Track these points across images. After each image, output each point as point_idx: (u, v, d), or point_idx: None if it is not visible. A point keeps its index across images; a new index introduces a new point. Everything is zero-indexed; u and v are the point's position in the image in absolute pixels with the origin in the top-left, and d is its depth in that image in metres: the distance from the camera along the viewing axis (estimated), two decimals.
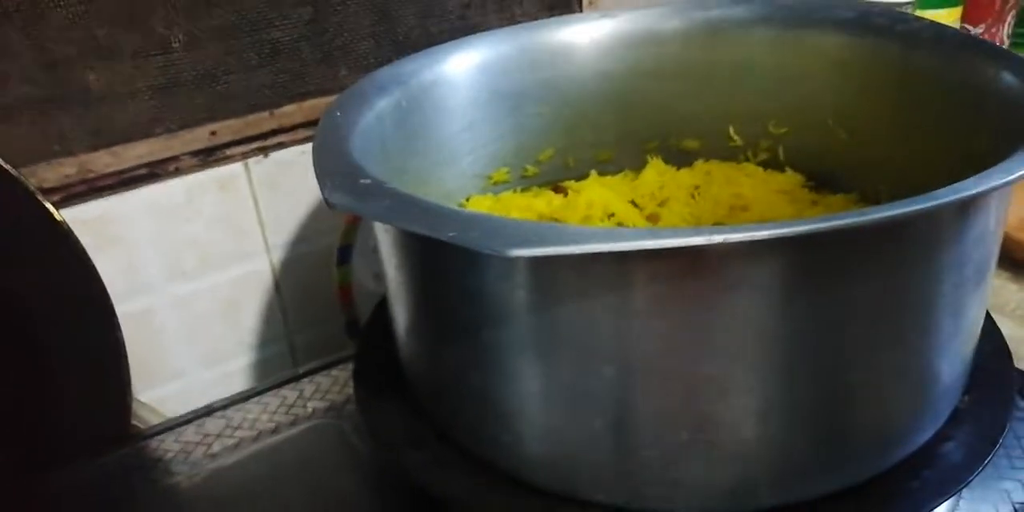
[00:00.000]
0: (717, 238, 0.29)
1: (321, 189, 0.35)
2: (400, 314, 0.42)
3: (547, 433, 0.37)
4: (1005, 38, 0.83)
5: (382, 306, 0.50)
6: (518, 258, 0.29)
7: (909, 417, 0.39)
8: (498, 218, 0.31)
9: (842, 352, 0.35)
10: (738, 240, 0.29)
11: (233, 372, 0.64)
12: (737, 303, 0.32)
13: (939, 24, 0.61)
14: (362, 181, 0.36)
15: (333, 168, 0.37)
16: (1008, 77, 0.46)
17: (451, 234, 0.30)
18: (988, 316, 0.46)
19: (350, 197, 0.34)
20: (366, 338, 0.52)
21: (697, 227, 0.30)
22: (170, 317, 0.60)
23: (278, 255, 0.64)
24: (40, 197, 0.49)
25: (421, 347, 0.42)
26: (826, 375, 0.35)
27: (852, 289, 0.33)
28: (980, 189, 0.33)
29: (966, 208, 0.36)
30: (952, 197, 0.32)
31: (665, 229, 0.30)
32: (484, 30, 0.68)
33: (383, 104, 0.50)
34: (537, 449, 0.38)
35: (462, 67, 0.56)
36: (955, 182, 0.49)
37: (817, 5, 0.62)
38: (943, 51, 0.51)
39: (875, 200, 0.56)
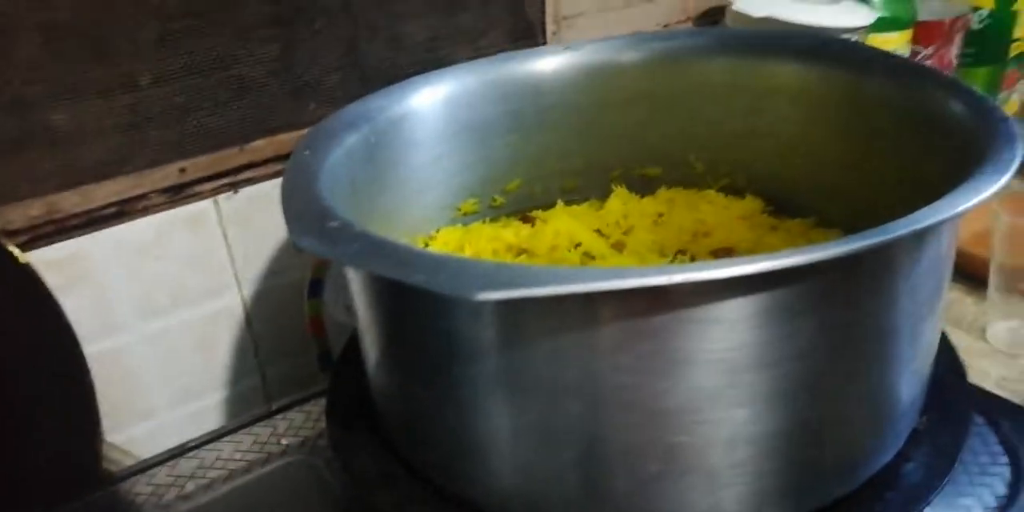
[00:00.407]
0: (677, 277, 0.29)
1: (290, 233, 0.35)
2: (370, 351, 0.43)
3: (518, 468, 0.38)
4: (953, 59, 0.86)
5: (354, 339, 0.50)
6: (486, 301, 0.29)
7: (871, 441, 0.40)
8: (465, 260, 0.32)
9: (804, 381, 0.35)
10: (698, 279, 0.29)
11: (205, 409, 0.64)
12: (700, 337, 0.33)
13: (890, 53, 0.63)
14: (330, 224, 0.36)
15: (302, 210, 0.37)
16: (957, 105, 0.47)
17: (420, 278, 0.31)
18: (942, 334, 0.47)
19: (319, 241, 0.34)
20: (338, 372, 0.52)
21: (659, 266, 0.31)
22: (142, 355, 0.60)
23: (249, 289, 0.64)
24: (3, 239, 0.48)
25: (391, 384, 0.42)
26: (789, 404, 0.36)
27: (811, 320, 0.34)
28: (933, 221, 0.34)
29: (919, 238, 0.37)
30: (905, 230, 0.33)
31: (628, 268, 0.30)
32: (452, 62, 0.69)
33: (352, 140, 0.50)
34: (508, 483, 0.38)
35: (429, 101, 0.56)
36: (907, 207, 0.50)
37: (774, 35, 0.63)
38: (894, 79, 0.52)
39: (832, 224, 0.57)
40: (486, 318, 0.34)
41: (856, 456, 0.39)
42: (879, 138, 0.53)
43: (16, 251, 0.49)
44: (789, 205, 0.60)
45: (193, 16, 0.57)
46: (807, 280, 0.33)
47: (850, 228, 0.56)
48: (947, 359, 0.47)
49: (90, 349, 0.57)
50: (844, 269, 0.34)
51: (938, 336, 0.44)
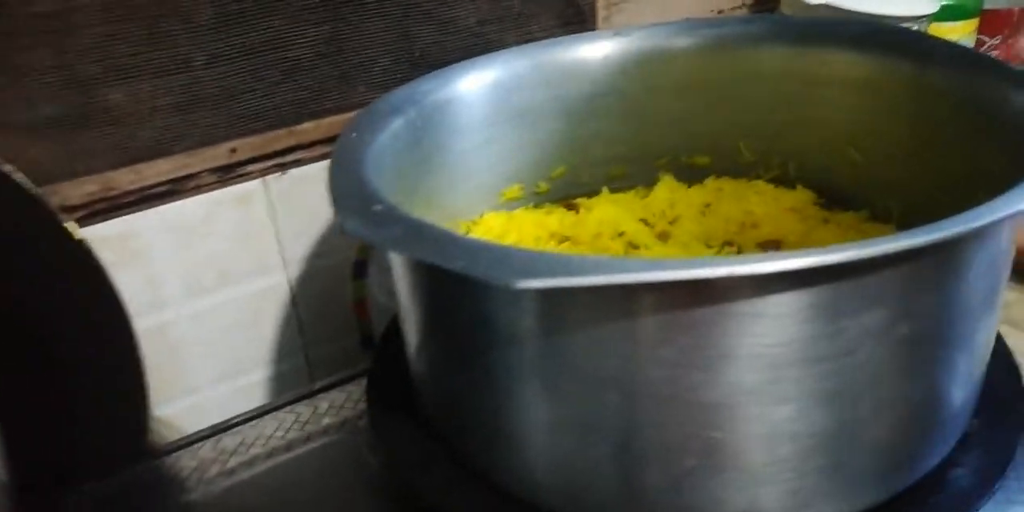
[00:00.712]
0: (721, 270, 0.29)
1: (336, 214, 0.35)
2: (411, 335, 0.43)
3: (554, 458, 0.37)
4: (1021, 50, 0.82)
5: (396, 321, 0.50)
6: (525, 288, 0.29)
7: (918, 444, 0.39)
8: (506, 248, 0.31)
9: (849, 380, 0.34)
10: (743, 273, 0.29)
11: (249, 386, 0.65)
12: (743, 331, 0.32)
13: (952, 42, 0.60)
14: (375, 207, 0.36)
15: (348, 193, 0.37)
16: (1021, 97, 0.45)
17: (460, 264, 0.30)
18: (998, 335, 0.46)
19: (363, 224, 0.34)
20: (379, 354, 0.52)
21: (703, 258, 0.30)
22: (188, 332, 0.61)
23: (295, 270, 0.64)
24: (59, 216, 0.49)
25: (431, 369, 0.42)
26: (832, 403, 0.35)
27: (859, 318, 0.33)
28: (992, 219, 0.32)
29: (977, 236, 0.35)
30: (961, 228, 0.31)
31: (671, 260, 0.29)
32: (500, 47, 0.69)
33: (398, 124, 0.50)
34: (544, 473, 0.38)
35: (476, 85, 0.56)
36: (966, 202, 0.49)
37: (829, 22, 0.61)
38: (956, 70, 0.50)
39: (886, 218, 0.56)
40: (526, 305, 0.34)
41: (901, 459, 0.38)
42: (938, 130, 0.51)
43: (72, 226, 0.50)
44: (841, 198, 0.58)
45: None
46: (857, 276, 0.32)
47: (905, 223, 0.55)
48: (1002, 361, 0.46)
49: (138, 325, 0.58)
50: (896, 266, 0.33)
51: (993, 337, 0.43)
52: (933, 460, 0.40)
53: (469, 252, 0.31)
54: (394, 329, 0.52)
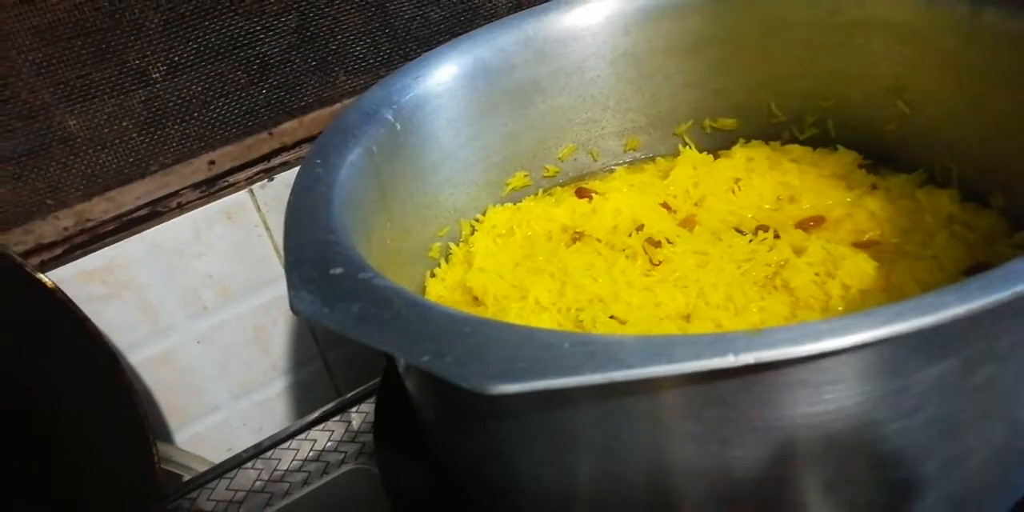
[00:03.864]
0: (746, 358, 0.22)
1: (288, 289, 0.29)
2: (411, 386, 0.37)
3: None
4: None
5: None
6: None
7: (996, 469, 0.32)
8: (481, 330, 0.25)
9: (916, 438, 0.28)
10: (751, 362, 0.22)
11: (270, 398, 0.61)
12: (772, 405, 0.26)
13: None
14: (333, 271, 0.30)
15: (300, 257, 0.31)
16: None
17: (424, 359, 0.24)
18: None
19: (316, 300, 0.28)
20: (388, 376, 0.47)
21: (711, 335, 0.24)
22: (196, 354, 0.56)
23: None
24: (29, 268, 0.44)
25: (434, 426, 0.37)
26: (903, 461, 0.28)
27: (932, 368, 0.26)
28: None
29: None
30: None
31: (680, 341, 0.23)
32: (488, 12, 0.61)
33: (373, 132, 0.43)
34: None
35: (460, 71, 0.48)
36: None
37: None
38: (1017, 10, 0.41)
39: (944, 180, 0.47)
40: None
41: (977, 497, 0.32)
42: (999, 80, 0.42)
43: (44, 277, 0.45)
44: (890, 159, 0.50)
45: None
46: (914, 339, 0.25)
47: (966, 186, 0.46)
48: None
49: (142, 355, 0.54)
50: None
51: None
52: (1020, 490, 0.34)
53: (437, 338, 0.25)
54: None
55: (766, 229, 0.46)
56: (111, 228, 0.52)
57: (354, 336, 0.26)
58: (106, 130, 0.50)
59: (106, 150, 0.51)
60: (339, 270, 0.30)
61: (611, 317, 0.41)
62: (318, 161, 0.38)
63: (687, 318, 0.40)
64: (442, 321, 0.26)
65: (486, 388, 0.23)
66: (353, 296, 0.28)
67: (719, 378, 0.25)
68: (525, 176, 0.53)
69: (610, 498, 0.30)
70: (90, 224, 0.51)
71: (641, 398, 0.27)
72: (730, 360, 0.22)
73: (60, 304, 0.45)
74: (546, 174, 0.54)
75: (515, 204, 0.52)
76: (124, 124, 0.51)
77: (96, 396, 0.47)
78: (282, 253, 0.57)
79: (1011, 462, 0.32)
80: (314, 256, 0.31)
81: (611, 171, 0.55)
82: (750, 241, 0.45)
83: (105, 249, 0.52)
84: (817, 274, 0.41)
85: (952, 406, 0.27)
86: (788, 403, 0.26)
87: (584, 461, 0.29)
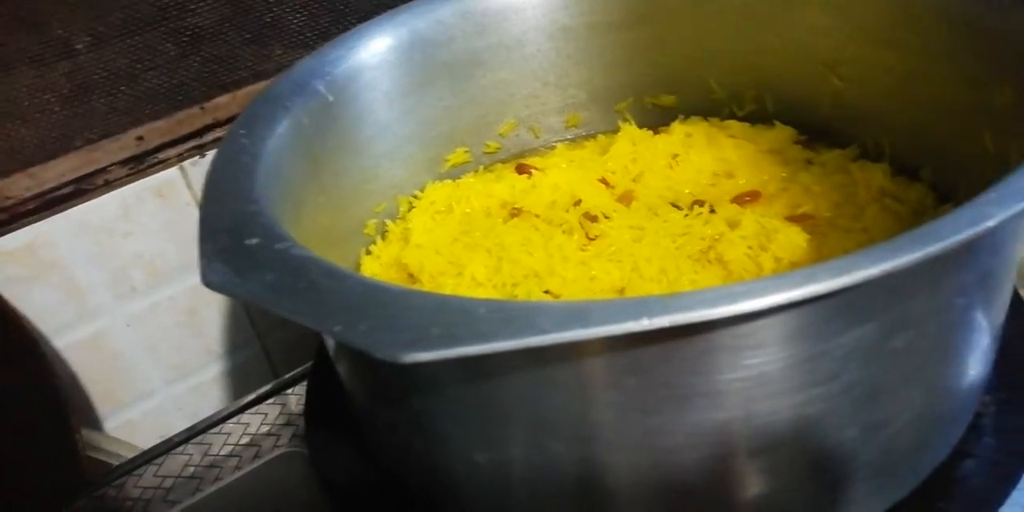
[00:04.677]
0: (660, 321, 0.22)
1: (200, 259, 0.28)
2: (338, 364, 0.36)
3: (498, 503, 0.32)
4: None
5: None
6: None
7: (919, 440, 0.33)
8: (395, 299, 0.25)
9: (835, 405, 0.28)
10: (666, 324, 0.22)
11: (205, 383, 0.60)
12: (695, 369, 0.26)
13: None
14: (248, 241, 0.29)
15: (218, 224, 0.30)
16: None
17: (335, 328, 0.24)
18: (1014, 294, 0.38)
19: (228, 269, 0.27)
20: (319, 358, 0.46)
21: (626, 299, 0.23)
22: (126, 337, 0.55)
23: None
24: None
25: (362, 403, 0.36)
26: (814, 430, 0.28)
27: (843, 338, 0.26)
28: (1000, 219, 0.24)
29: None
30: (955, 238, 0.24)
31: (597, 306, 0.23)
32: None
33: (304, 104, 0.42)
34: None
35: (397, 42, 0.47)
36: (968, 138, 0.41)
37: None
38: None
39: (877, 155, 0.48)
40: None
41: (898, 461, 0.32)
42: (933, 56, 0.43)
43: None
44: (825, 133, 0.50)
45: None
46: (840, 296, 0.25)
47: (897, 161, 0.47)
48: (1020, 323, 0.38)
49: (69, 338, 0.53)
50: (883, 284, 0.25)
51: (1008, 299, 0.35)
52: (940, 454, 0.34)
53: (351, 308, 0.24)
54: None
55: (702, 204, 0.46)
56: (32, 207, 0.50)
57: (266, 306, 0.26)
58: (26, 103, 0.48)
59: (26, 124, 0.49)
60: (255, 241, 0.29)
61: (546, 292, 0.41)
62: (243, 131, 0.37)
63: (621, 292, 0.40)
64: (358, 290, 0.26)
65: (398, 357, 0.22)
66: (268, 266, 0.27)
67: (638, 344, 0.25)
68: (465, 152, 0.53)
69: (539, 470, 0.30)
70: (10, 202, 0.49)
71: (562, 367, 0.26)
72: (644, 323, 0.22)
73: None
74: (487, 150, 0.54)
75: (455, 180, 0.52)
76: (45, 97, 0.49)
77: (16, 382, 0.45)
78: None
79: (930, 428, 0.32)
80: (230, 226, 0.30)
81: (552, 148, 0.54)
82: (686, 216, 0.45)
83: (27, 228, 0.50)
84: (750, 248, 0.42)
85: (871, 371, 0.28)
86: (708, 369, 0.26)
87: (511, 433, 0.29)
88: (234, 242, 0.29)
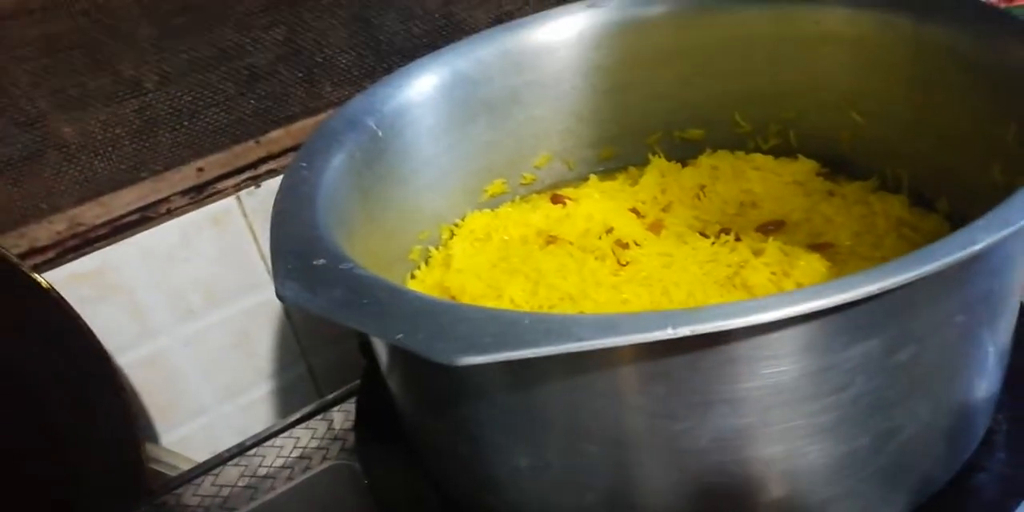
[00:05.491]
0: (683, 330, 0.26)
1: (274, 278, 0.32)
2: (389, 378, 0.40)
3: (540, 504, 0.35)
4: None
5: None
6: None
7: (932, 455, 0.36)
8: (449, 312, 0.28)
9: (849, 409, 0.31)
10: (703, 331, 0.25)
11: (254, 402, 0.64)
12: (722, 378, 0.29)
13: None
14: (316, 262, 0.33)
15: (285, 249, 0.34)
16: None
17: (398, 336, 0.28)
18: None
19: (300, 288, 0.31)
20: (368, 374, 0.50)
21: (654, 312, 0.27)
22: (183, 357, 0.59)
23: None
24: (25, 268, 0.47)
25: (410, 412, 0.40)
26: (829, 437, 0.32)
27: (857, 349, 0.30)
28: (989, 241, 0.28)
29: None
30: (944, 260, 0.27)
31: (627, 318, 0.26)
32: (470, 27, 0.64)
33: (356, 138, 0.46)
34: None
35: (440, 81, 0.52)
36: (979, 169, 0.45)
37: None
38: (960, 24, 0.45)
39: (895, 187, 0.51)
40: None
41: (911, 471, 0.35)
42: (945, 92, 0.46)
43: (39, 277, 0.48)
44: (846, 166, 0.54)
45: (189, 10, 0.53)
46: (846, 311, 0.29)
47: (916, 192, 0.50)
48: None
49: (130, 356, 0.57)
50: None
51: (1013, 319, 0.38)
52: (952, 468, 0.37)
53: (411, 319, 0.28)
54: None
55: (728, 232, 0.49)
56: (103, 233, 0.55)
57: (336, 319, 0.30)
58: (99, 138, 0.53)
59: (99, 157, 0.54)
60: (321, 261, 0.33)
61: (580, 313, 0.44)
62: (304, 164, 0.42)
63: None
64: (416, 304, 0.29)
65: (453, 360, 0.26)
66: (334, 284, 0.31)
67: (665, 353, 0.28)
68: (503, 183, 0.57)
69: (577, 473, 0.33)
70: (82, 228, 0.54)
71: (598, 376, 0.30)
72: (668, 332, 0.25)
73: (55, 304, 0.48)
74: (523, 182, 0.58)
75: (493, 210, 0.56)
76: (117, 132, 0.54)
77: (87, 395, 0.49)
78: (268, 259, 0.61)
79: (940, 440, 0.35)
80: (298, 248, 0.34)
81: (585, 179, 0.58)
82: (712, 244, 0.49)
83: (96, 253, 0.55)
84: (774, 273, 0.45)
85: (878, 383, 0.31)
86: (728, 378, 0.29)
87: (551, 438, 0.33)
88: (303, 263, 0.33)
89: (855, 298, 0.26)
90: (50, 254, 0.53)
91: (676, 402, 0.30)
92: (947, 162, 0.48)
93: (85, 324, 0.49)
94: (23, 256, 0.52)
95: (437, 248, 0.53)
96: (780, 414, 0.30)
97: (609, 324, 0.26)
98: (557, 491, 0.34)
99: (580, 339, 0.26)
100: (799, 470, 0.32)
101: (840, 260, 0.46)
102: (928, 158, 0.49)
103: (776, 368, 0.29)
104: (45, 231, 0.53)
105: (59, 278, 0.53)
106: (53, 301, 0.48)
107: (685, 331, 0.25)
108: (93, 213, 0.54)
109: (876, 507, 0.35)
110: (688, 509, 0.32)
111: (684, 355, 0.29)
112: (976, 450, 0.38)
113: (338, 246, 0.35)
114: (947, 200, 0.48)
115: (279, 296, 0.31)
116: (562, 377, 0.30)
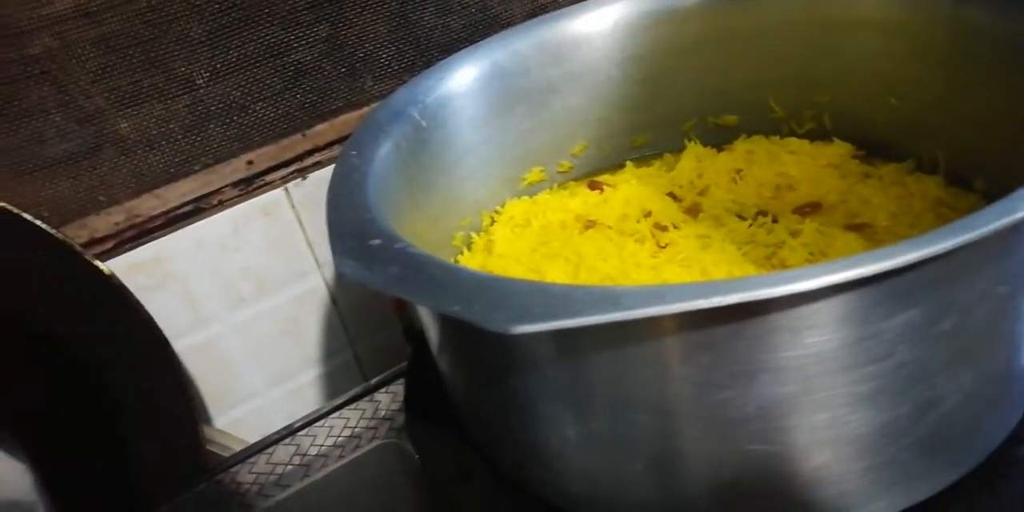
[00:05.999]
0: (729, 298, 0.27)
1: (333, 256, 0.34)
2: (437, 351, 0.42)
3: (588, 475, 0.36)
4: None
5: None
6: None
7: (976, 423, 0.36)
8: (503, 285, 0.30)
9: (892, 378, 0.32)
10: (747, 299, 0.26)
11: (302, 387, 0.66)
12: (765, 347, 0.30)
13: None
14: (372, 242, 0.34)
15: (343, 231, 0.36)
16: None
17: (455, 308, 0.29)
18: None
19: (360, 265, 0.33)
20: (416, 355, 0.52)
21: (707, 282, 0.28)
22: (234, 343, 0.61)
23: (330, 270, 0.64)
24: (85, 253, 0.50)
25: (460, 386, 0.41)
26: (872, 405, 0.32)
27: (896, 318, 0.30)
28: None
29: None
30: (985, 229, 0.28)
31: (673, 288, 0.28)
32: (507, 20, 0.66)
33: (401, 129, 0.48)
34: (579, 489, 0.37)
35: (480, 73, 0.53)
36: (1014, 147, 0.45)
37: None
38: (995, 6, 0.45)
39: (932, 168, 0.52)
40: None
41: (953, 441, 0.36)
42: (979, 72, 0.47)
43: (101, 265, 0.50)
44: (882, 149, 0.54)
45: (238, 9, 0.55)
46: (886, 281, 0.29)
47: (953, 172, 0.51)
48: None
49: (185, 343, 0.59)
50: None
51: None
52: (996, 438, 0.38)
53: (465, 293, 0.30)
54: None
55: (765, 214, 0.50)
56: (158, 224, 0.57)
57: (394, 293, 0.31)
58: (154, 132, 0.56)
59: (154, 151, 0.56)
60: (377, 241, 0.34)
61: None
62: (354, 153, 0.43)
63: None
64: (470, 279, 0.31)
65: (508, 329, 0.27)
66: (391, 261, 0.33)
67: (709, 323, 0.29)
68: (541, 171, 0.58)
69: (623, 443, 0.34)
70: (139, 220, 0.56)
71: (645, 346, 0.31)
72: (714, 301, 0.27)
73: (116, 290, 0.50)
74: (560, 169, 0.59)
75: (531, 197, 0.57)
76: (171, 127, 0.56)
77: (149, 378, 0.51)
78: (315, 248, 0.63)
79: (983, 410, 0.36)
80: (354, 230, 0.36)
81: (622, 165, 0.59)
82: (750, 226, 0.49)
83: (152, 243, 0.57)
84: (811, 253, 0.46)
85: (920, 353, 0.32)
86: (770, 347, 0.30)
87: (599, 407, 0.34)
88: (359, 243, 0.34)
89: (893, 267, 0.27)
90: (109, 244, 0.56)
91: (720, 371, 0.31)
92: (983, 142, 0.48)
93: (145, 310, 0.51)
94: (83, 247, 0.54)
95: (479, 234, 0.54)
96: (822, 383, 0.31)
97: (656, 294, 0.27)
98: (604, 461, 0.35)
99: (628, 308, 0.27)
100: (841, 438, 0.33)
101: (877, 240, 0.47)
102: (964, 138, 0.49)
103: (818, 337, 0.30)
104: (104, 222, 0.55)
105: (118, 267, 0.55)
106: (115, 288, 0.50)
107: (732, 299, 0.26)
108: (149, 205, 0.57)
109: (919, 476, 0.35)
110: (732, 476, 0.33)
111: (728, 325, 0.30)
112: (1020, 421, 0.39)
113: (391, 228, 0.36)
114: (984, 179, 0.48)
115: (339, 273, 0.33)
116: (609, 347, 0.32)
